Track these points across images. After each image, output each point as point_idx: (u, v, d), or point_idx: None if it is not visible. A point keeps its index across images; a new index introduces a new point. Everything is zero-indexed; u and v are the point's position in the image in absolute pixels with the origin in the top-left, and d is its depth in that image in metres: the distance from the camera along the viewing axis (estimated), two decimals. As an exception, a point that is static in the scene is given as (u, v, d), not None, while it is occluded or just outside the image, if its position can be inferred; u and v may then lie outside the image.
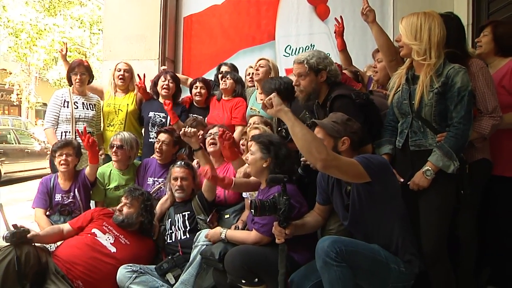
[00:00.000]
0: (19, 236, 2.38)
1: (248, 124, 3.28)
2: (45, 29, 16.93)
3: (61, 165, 3.17)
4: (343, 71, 3.30)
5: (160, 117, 3.75)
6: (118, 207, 2.88)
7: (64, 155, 3.17)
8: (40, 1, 17.49)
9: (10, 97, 19.78)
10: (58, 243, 2.85)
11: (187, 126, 2.86)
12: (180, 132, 2.75)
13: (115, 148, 3.35)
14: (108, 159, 3.66)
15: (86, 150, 3.30)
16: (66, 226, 2.85)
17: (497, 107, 2.22)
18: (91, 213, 2.94)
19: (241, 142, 3.25)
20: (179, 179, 3.00)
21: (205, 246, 2.59)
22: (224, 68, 4.08)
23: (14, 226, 2.42)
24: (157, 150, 3.38)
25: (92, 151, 3.12)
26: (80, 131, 3.21)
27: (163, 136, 3.38)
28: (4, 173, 8.83)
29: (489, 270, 2.63)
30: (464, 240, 2.38)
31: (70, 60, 3.95)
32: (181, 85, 4.01)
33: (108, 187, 3.40)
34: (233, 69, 4.09)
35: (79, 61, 3.83)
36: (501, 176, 2.40)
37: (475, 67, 2.28)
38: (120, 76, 3.87)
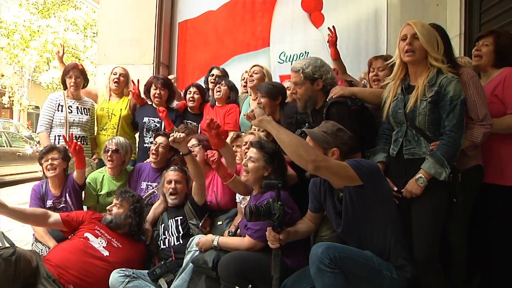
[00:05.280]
0: None
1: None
2: (38, 31, 16.79)
3: (48, 170, 3.15)
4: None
5: (154, 122, 3.75)
6: (108, 207, 2.88)
7: (50, 160, 3.15)
8: (34, 3, 17.39)
9: (2, 100, 19.57)
10: (51, 247, 2.85)
11: (175, 132, 2.86)
12: (170, 139, 2.75)
13: (110, 152, 3.33)
14: (101, 163, 3.63)
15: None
16: (55, 216, 2.80)
17: (488, 115, 2.25)
18: (83, 215, 2.92)
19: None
20: (173, 182, 3.00)
21: (198, 252, 2.58)
22: (215, 72, 4.07)
23: None
24: (153, 151, 3.38)
25: (78, 157, 3.09)
26: (67, 138, 3.18)
27: (160, 139, 3.41)
28: (-5, 176, 8.76)
29: (479, 277, 2.66)
30: (455, 246, 2.40)
31: (66, 63, 3.95)
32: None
33: (100, 193, 3.37)
34: (224, 74, 4.08)
35: (74, 64, 3.81)
36: (491, 184, 2.42)
37: (466, 76, 2.30)
38: (115, 80, 3.86)
